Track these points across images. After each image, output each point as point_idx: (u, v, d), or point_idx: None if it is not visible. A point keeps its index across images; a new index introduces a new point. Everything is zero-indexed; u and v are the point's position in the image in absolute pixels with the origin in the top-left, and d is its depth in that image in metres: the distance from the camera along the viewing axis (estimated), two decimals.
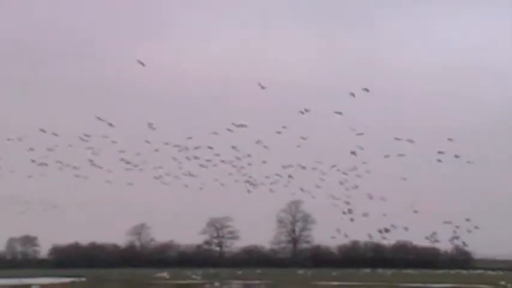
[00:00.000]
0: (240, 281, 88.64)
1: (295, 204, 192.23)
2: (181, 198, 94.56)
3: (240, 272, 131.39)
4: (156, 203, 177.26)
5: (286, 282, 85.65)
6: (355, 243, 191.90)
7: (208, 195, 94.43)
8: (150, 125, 69.01)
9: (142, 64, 60.48)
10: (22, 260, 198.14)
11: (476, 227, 70.38)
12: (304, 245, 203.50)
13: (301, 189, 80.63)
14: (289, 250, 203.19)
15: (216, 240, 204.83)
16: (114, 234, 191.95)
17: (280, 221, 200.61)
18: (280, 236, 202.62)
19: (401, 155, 69.90)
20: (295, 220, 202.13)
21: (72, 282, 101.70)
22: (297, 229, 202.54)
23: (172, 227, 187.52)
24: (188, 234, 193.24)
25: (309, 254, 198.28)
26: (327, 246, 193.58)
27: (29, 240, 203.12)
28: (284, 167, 77.19)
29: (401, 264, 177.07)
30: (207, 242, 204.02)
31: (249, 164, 75.84)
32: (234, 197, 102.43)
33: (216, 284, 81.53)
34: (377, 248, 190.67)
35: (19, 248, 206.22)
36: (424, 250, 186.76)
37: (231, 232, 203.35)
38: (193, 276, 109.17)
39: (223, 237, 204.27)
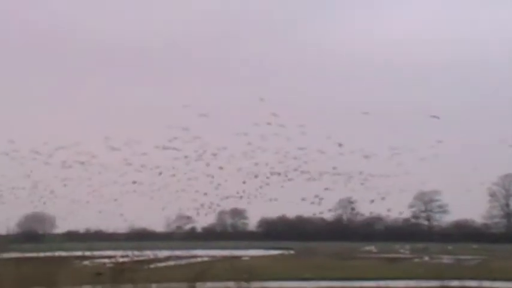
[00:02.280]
0: (450, 256, 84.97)
1: (509, 177, 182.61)
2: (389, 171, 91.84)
3: (450, 247, 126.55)
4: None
5: (501, 258, 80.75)
6: None
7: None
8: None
9: None
10: (232, 232, 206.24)
11: None
12: None
13: None
14: (502, 225, 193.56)
15: (423, 214, 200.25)
16: (321, 207, 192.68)
17: (492, 195, 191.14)
18: (492, 211, 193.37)
19: None
20: (508, 194, 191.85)
21: (281, 255, 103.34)
22: (511, 203, 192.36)
23: (378, 200, 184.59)
24: (395, 208, 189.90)
25: None
26: None
27: (238, 213, 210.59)
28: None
29: None
30: (414, 216, 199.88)
31: None
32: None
33: (426, 258, 78.88)
34: None
35: (229, 220, 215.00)
36: None
37: (439, 206, 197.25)
38: (401, 251, 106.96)
39: (431, 211, 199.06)
